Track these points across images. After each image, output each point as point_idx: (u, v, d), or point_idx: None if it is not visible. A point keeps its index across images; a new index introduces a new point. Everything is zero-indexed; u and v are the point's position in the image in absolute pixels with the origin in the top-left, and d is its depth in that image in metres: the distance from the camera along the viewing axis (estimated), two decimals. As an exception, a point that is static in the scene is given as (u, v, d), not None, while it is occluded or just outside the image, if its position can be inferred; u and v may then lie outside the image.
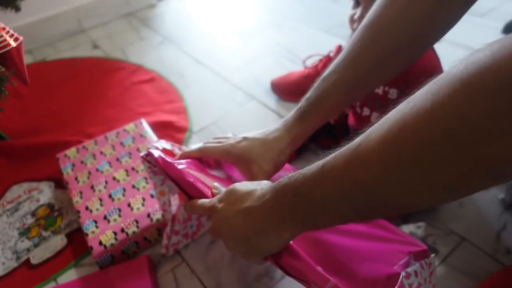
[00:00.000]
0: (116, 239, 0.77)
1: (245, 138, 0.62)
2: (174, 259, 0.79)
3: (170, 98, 1.22)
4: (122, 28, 1.68)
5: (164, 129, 1.08)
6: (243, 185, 0.49)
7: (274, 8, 1.71)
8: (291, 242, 0.47)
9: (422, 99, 0.31)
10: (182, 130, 1.09)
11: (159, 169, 0.63)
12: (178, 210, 0.74)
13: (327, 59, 1.11)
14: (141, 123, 1.02)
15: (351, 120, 0.89)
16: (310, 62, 1.18)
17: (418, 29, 0.51)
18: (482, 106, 0.27)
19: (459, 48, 1.24)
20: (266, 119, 1.11)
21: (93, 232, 0.79)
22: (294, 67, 1.25)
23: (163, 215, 0.77)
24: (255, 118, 1.13)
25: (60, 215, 0.89)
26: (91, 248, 0.76)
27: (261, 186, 0.48)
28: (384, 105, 0.80)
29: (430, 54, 0.76)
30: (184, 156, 0.64)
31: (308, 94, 0.61)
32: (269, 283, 0.73)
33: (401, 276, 0.43)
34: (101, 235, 0.78)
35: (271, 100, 1.18)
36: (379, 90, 0.79)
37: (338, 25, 1.48)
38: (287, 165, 0.68)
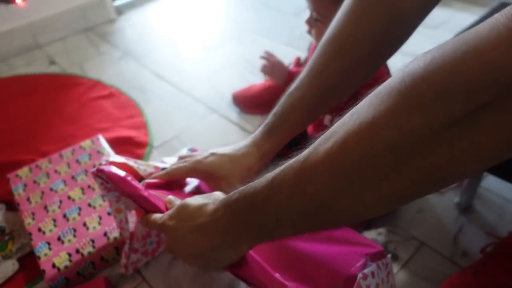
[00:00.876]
0: (70, 260, 0.74)
1: (213, 154, 0.61)
2: (133, 279, 0.76)
3: (130, 113, 1.19)
4: (80, 43, 1.64)
5: (123, 145, 1.05)
6: (194, 200, 0.48)
7: (235, 21, 1.72)
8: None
9: (364, 111, 0.31)
10: (142, 145, 1.06)
11: (112, 185, 0.61)
12: (136, 227, 0.71)
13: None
14: (98, 139, 0.99)
15: (309, 128, 0.90)
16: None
17: (375, 44, 0.53)
18: (420, 117, 0.28)
19: (410, 58, 1.28)
20: (228, 132, 1.11)
21: (45, 254, 0.75)
22: (255, 80, 1.26)
23: (120, 233, 0.74)
24: (217, 131, 1.12)
25: (11, 239, 0.84)
26: (44, 271, 0.72)
27: (212, 199, 0.47)
28: (334, 107, 0.81)
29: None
30: (150, 184, 0.62)
31: (274, 110, 0.61)
32: (232, 299, 0.72)
33: (358, 278, 0.44)
34: (54, 257, 0.74)
35: (233, 113, 1.18)
36: None
37: (298, 38, 1.50)
38: None
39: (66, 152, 0.96)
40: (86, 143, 0.98)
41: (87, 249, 0.75)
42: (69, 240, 0.77)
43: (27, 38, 1.61)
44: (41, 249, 0.76)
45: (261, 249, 0.48)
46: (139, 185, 0.57)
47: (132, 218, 0.72)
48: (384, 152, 0.30)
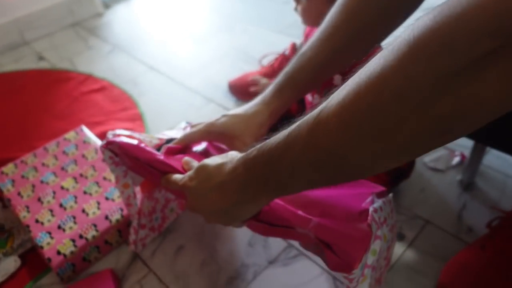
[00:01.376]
0: (75, 246, 0.73)
1: (224, 115, 0.63)
2: (140, 270, 0.75)
3: (124, 106, 1.17)
4: (69, 38, 1.60)
5: (120, 138, 1.03)
6: (213, 160, 0.50)
7: (224, 11, 1.70)
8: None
9: (375, 63, 0.32)
10: (139, 137, 1.05)
11: (121, 159, 0.62)
12: (142, 202, 0.73)
13: (283, 58, 1.12)
14: (81, 129, 0.99)
15: (307, 110, 0.90)
16: (266, 61, 1.18)
17: (383, 10, 0.55)
18: (426, 65, 0.28)
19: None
20: (225, 121, 1.09)
21: (48, 243, 0.74)
22: (250, 68, 1.25)
23: (128, 210, 0.74)
24: (215, 121, 1.10)
25: (11, 236, 0.82)
26: (49, 259, 0.71)
27: (229, 158, 0.48)
28: (330, 90, 0.81)
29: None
30: (167, 150, 0.63)
31: (285, 69, 0.63)
32: (240, 285, 0.71)
33: (370, 211, 0.49)
34: (58, 244, 0.73)
35: (230, 101, 1.17)
36: None
37: (290, 25, 1.49)
38: None
39: (51, 145, 0.95)
40: (70, 134, 0.98)
41: (91, 233, 0.75)
42: (70, 227, 0.76)
43: (14, 35, 1.57)
44: (43, 239, 0.75)
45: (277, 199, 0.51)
46: (154, 150, 0.59)
47: (138, 194, 0.72)
48: (391, 101, 0.30)
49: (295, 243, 0.77)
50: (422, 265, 0.71)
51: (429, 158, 0.90)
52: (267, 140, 0.43)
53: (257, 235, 0.79)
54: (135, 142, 0.60)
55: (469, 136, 0.75)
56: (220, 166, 0.48)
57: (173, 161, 0.58)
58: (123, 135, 0.63)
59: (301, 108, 0.94)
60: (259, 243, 0.78)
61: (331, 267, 0.47)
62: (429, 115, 0.29)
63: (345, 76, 0.36)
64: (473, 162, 0.82)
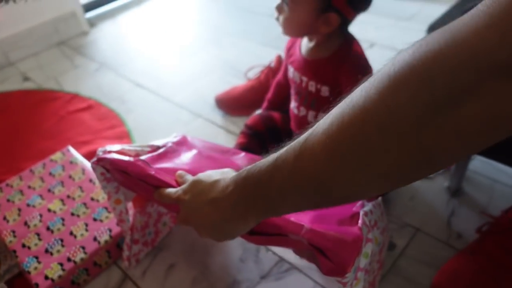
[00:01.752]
0: (63, 269, 0.72)
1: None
2: (130, 291, 0.74)
3: (111, 124, 1.16)
4: (54, 57, 1.60)
5: (107, 156, 1.03)
6: (207, 176, 0.51)
7: (210, 25, 1.72)
8: None
9: (357, 95, 0.33)
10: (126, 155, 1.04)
11: (112, 175, 0.63)
12: (135, 217, 0.73)
13: (269, 70, 1.12)
14: (68, 150, 0.99)
15: (292, 124, 0.91)
16: (252, 74, 1.19)
17: None
18: (406, 100, 0.29)
19: (389, 50, 1.30)
20: (214, 136, 1.09)
21: (35, 268, 0.73)
22: (237, 82, 1.25)
23: (121, 226, 0.74)
24: (203, 136, 1.08)
25: (-3, 261, 0.80)
26: (37, 285, 0.70)
27: (223, 175, 0.50)
28: (318, 102, 0.82)
29: (359, 53, 0.79)
30: (154, 159, 0.63)
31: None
32: (233, 301, 0.71)
33: (361, 214, 0.51)
34: (46, 269, 0.72)
35: (217, 116, 1.17)
36: (312, 88, 0.81)
37: (277, 38, 1.50)
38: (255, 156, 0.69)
39: (37, 167, 0.94)
40: (57, 155, 0.97)
41: (79, 256, 0.74)
42: (58, 251, 0.75)
43: (-2, 56, 1.56)
44: (30, 264, 0.73)
45: None
46: (145, 164, 0.59)
47: (130, 210, 0.72)
48: (374, 132, 0.31)
49: (287, 257, 0.76)
50: (414, 274, 0.71)
51: (416, 165, 0.91)
52: (257, 162, 0.44)
53: (249, 251, 0.78)
54: (126, 158, 0.60)
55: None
56: (213, 183, 0.49)
57: (165, 175, 0.58)
58: (113, 151, 0.63)
59: (286, 119, 0.94)
60: (251, 258, 0.77)
61: (325, 272, 0.48)
62: (410, 147, 0.30)
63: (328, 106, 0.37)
64: (459, 168, 0.82)
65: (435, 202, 0.84)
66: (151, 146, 0.68)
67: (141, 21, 1.81)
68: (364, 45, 0.81)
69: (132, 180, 0.61)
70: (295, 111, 0.87)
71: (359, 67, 0.77)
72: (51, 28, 1.67)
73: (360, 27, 0.90)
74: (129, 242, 0.74)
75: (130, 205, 0.73)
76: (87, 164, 0.94)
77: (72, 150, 0.99)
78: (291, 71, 0.87)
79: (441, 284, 0.66)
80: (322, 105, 0.81)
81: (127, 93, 1.32)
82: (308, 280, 0.72)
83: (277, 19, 0.79)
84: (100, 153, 0.63)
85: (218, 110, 1.18)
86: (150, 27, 1.75)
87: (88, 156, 1.03)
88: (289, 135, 0.93)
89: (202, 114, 1.18)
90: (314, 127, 0.37)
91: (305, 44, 0.84)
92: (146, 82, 1.37)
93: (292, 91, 0.88)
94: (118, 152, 0.63)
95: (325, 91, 0.80)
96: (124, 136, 1.11)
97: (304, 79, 0.82)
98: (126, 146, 0.65)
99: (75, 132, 1.15)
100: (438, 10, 1.07)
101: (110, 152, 0.62)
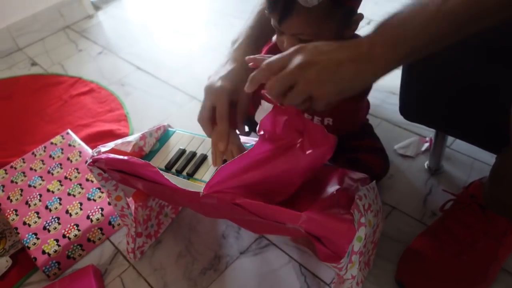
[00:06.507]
0: (59, 245, 0.79)
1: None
2: (121, 265, 0.80)
3: (110, 107, 1.21)
4: (60, 42, 1.65)
5: (104, 139, 1.08)
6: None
7: (212, 6, 1.72)
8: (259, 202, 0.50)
9: None
10: (123, 137, 1.09)
11: (109, 174, 0.65)
12: (136, 212, 0.75)
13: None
14: (67, 133, 1.04)
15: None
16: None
17: None
18: None
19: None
20: (206, 117, 1.12)
21: (34, 244, 0.80)
22: (231, 63, 1.27)
23: (123, 221, 0.76)
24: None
25: (3, 237, 0.88)
26: (35, 259, 0.77)
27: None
28: None
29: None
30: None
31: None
32: (213, 275, 0.75)
33: (355, 198, 0.53)
34: (43, 244, 0.79)
35: (211, 97, 1.19)
36: None
37: (273, 17, 1.50)
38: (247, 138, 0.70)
39: (39, 150, 1.01)
40: (57, 138, 1.03)
41: (73, 233, 0.80)
42: (55, 228, 0.82)
43: (7, 41, 1.62)
44: (29, 240, 0.80)
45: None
46: (143, 162, 0.58)
47: (131, 205, 0.74)
48: None
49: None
50: (386, 251, 0.74)
51: (398, 145, 0.92)
52: (390, 15, 0.47)
53: (231, 227, 0.83)
54: (120, 156, 0.61)
55: (429, 125, 0.77)
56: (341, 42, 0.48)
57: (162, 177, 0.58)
58: (107, 151, 0.64)
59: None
60: (232, 235, 0.82)
61: (322, 258, 0.50)
62: None
63: None
64: (437, 147, 0.83)
65: (415, 181, 0.86)
66: (142, 135, 0.69)
67: (145, 4, 1.83)
68: (361, 23, 0.81)
69: (130, 177, 0.61)
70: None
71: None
72: (57, 13, 1.71)
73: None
74: (133, 235, 0.76)
75: (131, 200, 0.74)
76: (84, 146, 1.00)
77: (71, 133, 1.05)
78: None
79: (406, 262, 0.68)
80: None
81: (127, 76, 1.36)
82: (284, 255, 0.76)
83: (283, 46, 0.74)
84: (94, 154, 0.64)
85: (212, 91, 1.20)
86: (153, 10, 1.77)
87: (87, 138, 1.09)
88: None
89: (197, 96, 1.21)
90: None
91: None
92: (145, 65, 1.41)
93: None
94: (111, 151, 0.65)
95: None
96: (122, 119, 1.16)
97: None
98: (119, 141, 0.67)
99: (76, 115, 1.20)
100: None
101: (104, 152, 0.64)
